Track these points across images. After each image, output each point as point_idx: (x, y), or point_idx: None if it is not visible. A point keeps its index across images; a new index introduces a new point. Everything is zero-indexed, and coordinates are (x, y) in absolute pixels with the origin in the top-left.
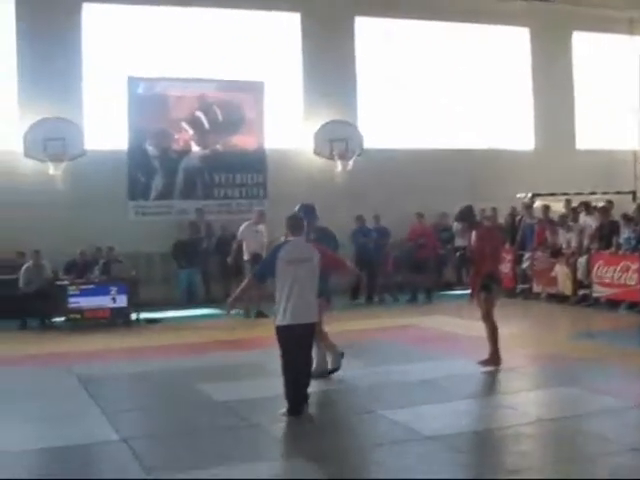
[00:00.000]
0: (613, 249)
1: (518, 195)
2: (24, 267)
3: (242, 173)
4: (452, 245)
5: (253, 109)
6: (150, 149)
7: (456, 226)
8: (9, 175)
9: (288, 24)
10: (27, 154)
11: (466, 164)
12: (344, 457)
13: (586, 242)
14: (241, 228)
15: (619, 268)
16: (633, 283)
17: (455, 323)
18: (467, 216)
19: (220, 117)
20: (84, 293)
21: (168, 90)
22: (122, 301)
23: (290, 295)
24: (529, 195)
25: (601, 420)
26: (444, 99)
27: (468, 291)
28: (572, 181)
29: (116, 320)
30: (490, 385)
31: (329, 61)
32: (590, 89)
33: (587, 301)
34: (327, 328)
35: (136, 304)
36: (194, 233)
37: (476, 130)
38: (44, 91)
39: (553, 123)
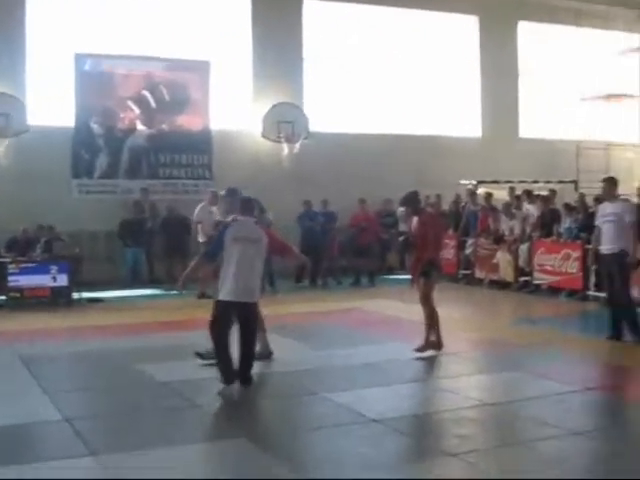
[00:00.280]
0: (554, 237)
1: (462, 182)
2: None
3: (188, 153)
4: (396, 230)
5: (200, 89)
6: (95, 127)
7: (400, 211)
8: None
9: (238, 5)
10: None
11: (412, 150)
12: (288, 438)
13: (528, 230)
14: (197, 210)
15: (560, 256)
16: (574, 271)
17: (397, 307)
18: (411, 201)
19: (167, 96)
20: (24, 271)
21: (115, 68)
22: (63, 280)
23: (235, 273)
24: (473, 182)
25: (543, 404)
26: (392, 85)
27: (409, 276)
28: (516, 169)
29: (57, 299)
30: (432, 369)
31: (277, 43)
32: (535, 79)
33: (528, 288)
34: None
35: (78, 283)
36: (139, 213)
37: (423, 116)
38: None
39: (498, 111)
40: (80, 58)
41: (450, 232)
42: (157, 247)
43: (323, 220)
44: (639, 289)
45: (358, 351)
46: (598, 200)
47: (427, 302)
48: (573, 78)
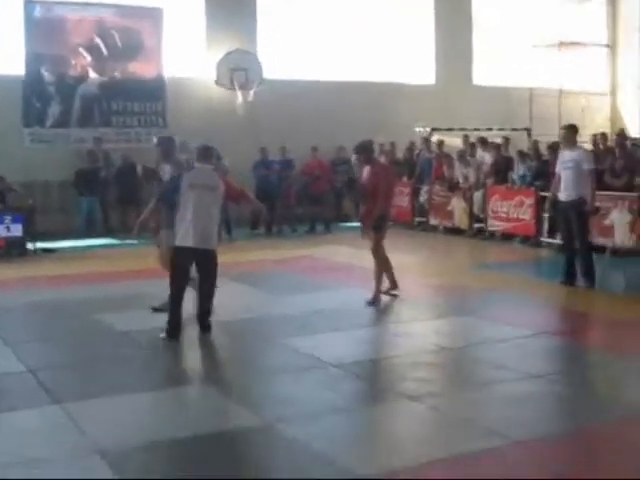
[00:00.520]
0: (508, 184)
1: (417, 129)
2: None
3: (141, 101)
4: (350, 178)
5: (152, 36)
6: (46, 75)
7: (354, 159)
8: None
9: None
10: None
11: (366, 97)
12: (250, 383)
13: (482, 177)
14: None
15: (514, 203)
16: (527, 217)
17: (351, 254)
18: (364, 149)
19: (119, 43)
20: None
21: (66, 14)
22: (17, 230)
23: (191, 219)
24: (428, 129)
25: (500, 348)
26: (346, 31)
27: (359, 225)
28: (470, 116)
29: (11, 250)
30: (390, 314)
31: None
32: (489, 26)
33: (482, 234)
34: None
35: (32, 234)
36: (93, 162)
37: (377, 63)
38: None
39: (452, 58)
40: (29, 4)
41: (405, 179)
42: (111, 196)
43: (279, 168)
44: (595, 236)
45: (314, 297)
46: (552, 147)
47: (378, 253)
48: (527, 25)
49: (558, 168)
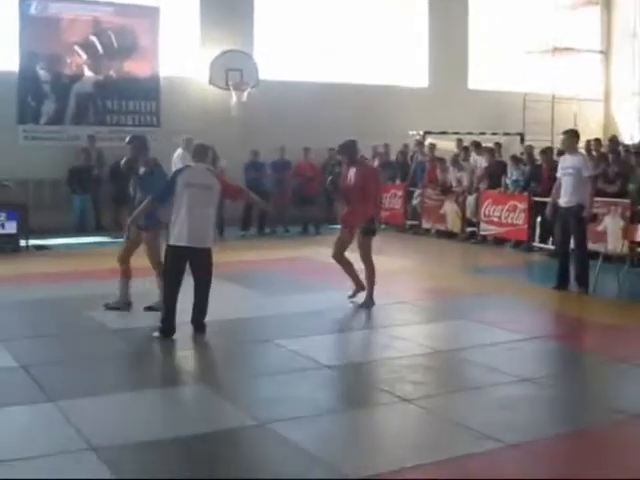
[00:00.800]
0: (501, 189)
1: (410, 132)
2: None
3: (135, 100)
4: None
5: (148, 35)
6: (41, 72)
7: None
8: None
9: None
10: None
11: (361, 100)
12: (244, 383)
13: (475, 181)
14: (174, 157)
15: (507, 207)
16: (520, 222)
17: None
18: (347, 149)
19: (114, 42)
20: None
21: (62, 12)
22: (11, 227)
23: (186, 218)
24: (420, 133)
25: (493, 352)
26: (341, 33)
27: (339, 226)
28: (463, 121)
29: (4, 247)
30: (384, 317)
31: None
32: (484, 30)
33: (475, 238)
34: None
35: (25, 231)
36: (86, 160)
37: (372, 66)
38: None
39: (447, 62)
40: (25, 1)
41: (398, 182)
42: (104, 195)
43: (271, 170)
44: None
45: (308, 298)
46: (545, 152)
47: (368, 259)
48: (521, 31)
49: (559, 173)
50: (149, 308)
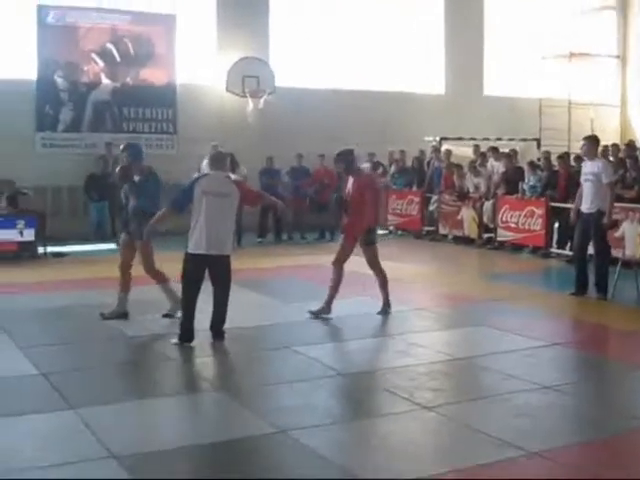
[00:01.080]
0: (519, 195)
1: (426, 138)
2: None
3: (152, 108)
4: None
5: (165, 43)
6: (59, 80)
7: (365, 167)
8: None
9: None
10: None
11: (377, 106)
12: (262, 390)
13: (493, 187)
14: (202, 165)
15: (524, 213)
16: (537, 228)
17: (360, 262)
18: (343, 158)
19: (131, 50)
20: None
21: (79, 20)
22: (30, 235)
23: (204, 226)
24: (437, 139)
25: (512, 359)
26: (357, 40)
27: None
28: (479, 126)
29: (23, 254)
30: (402, 324)
31: None
32: (500, 36)
33: (492, 244)
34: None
35: (43, 238)
36: (103, 167)
37: (388, 72)
38: None
39: (463, 68)
40: (43, 9)
41: (414, 188)
42: (121, 202)
43: (290, 177)
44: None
45: None
46: (562, 158)
47: (376, 266)
48: (537, 36)
49: (581, 179)
50: (166, 315)
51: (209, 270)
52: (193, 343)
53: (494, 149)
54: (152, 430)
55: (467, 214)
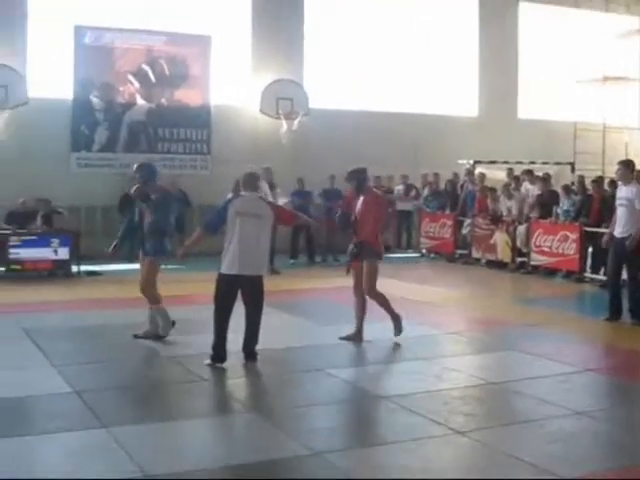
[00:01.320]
0: (553, 219)
1: (459, 161)
2: None
3: (186, 128)
4: (392, 209)
5: (200, 64)
6: (95, 100)
7: (397, 190)
8: None
9: None
10: None
11: (410, 128)
12: (295, 412)
13: (526, 210)
14: (264, 187)
15: (558, 237)
16: (571, 252)
17: (395, 285)
18: (357, 176)
19: (167, 71)
20: (25, 244)
21: (115, 41)
22: (64, 253)
23: (237, 247)
24: (471, 162)
25: (545, 384)
26: (391, 62)
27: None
28: (513, 150)
29: (57, 272)
30: (435, 348)
31: (278, 18)
32: (534, 60)
33: (525, 268)
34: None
35: (76, 257)
36: None
37: (421, 95)
38: None
39: (497, 92)
40: (80, 30)
41: (447, 211)
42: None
43: (323, 198)
44: None
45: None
46: (597, 182)
47: (372, 292)
48: (571, 60)
49: (616, 204)
50: (137, 336)
51: (241, 291)
52: (225, 364)
53: (529, 172)
54: (184, 450)
55: (500, 238)
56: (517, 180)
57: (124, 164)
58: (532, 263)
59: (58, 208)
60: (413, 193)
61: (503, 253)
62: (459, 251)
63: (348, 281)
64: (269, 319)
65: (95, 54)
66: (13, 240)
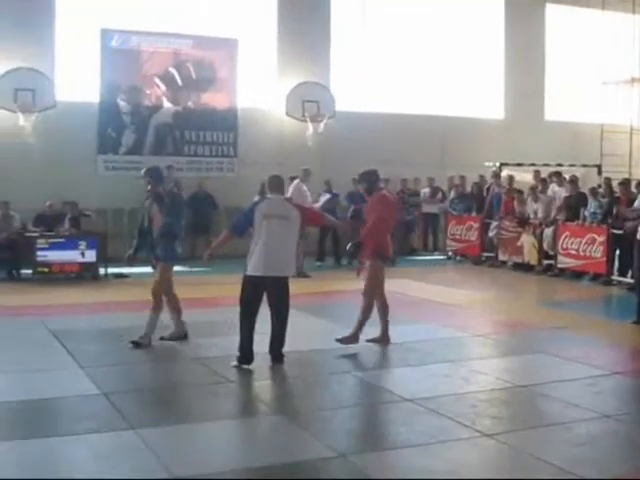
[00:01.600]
0: (580, 221)
1: (486, 164)
2: None
3: (213, 131)
4: (419, 211)
5: (226, 67)
6: (122, 104)
7: (424, 192)
8: None
9: None
10: None
11: (436, 131)
12: (322, 414)
13: (553, 213)
14: (290, 188)
15: (585, 240)
16: (598, 255)
17: (422, 288)
18: (368, 177)
19: (193, 74)
20: (53, 247)
21: (142, 45)
22: (91, 256)
23: (263, 248)
24: (497, 164)
25: (573, 387)
26: (417, 65)
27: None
28: (539, 152)
29: (84, 274)
30: (462, 350)
31: (304, 21)
32: (561, 62)
33: (552, 271)
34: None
35: (104, 259)
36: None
37: (447, 97)
38: (15, 41)
39: (523, 93)
40: (107, 34)
41: (474, 214)
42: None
43: (349, 200)
44: None
45: None
46: (624, 184)
47: (368, 293)
48: (598, 61)
49: None
50: (135, 342)
51: (267, 292)
52: (252, 366)
53: (557, 174)
54: (210, 452)
55: (527, 240)
56: (544, 182)
57: None
58: (559, 266)
59: (85, 211)
60: (439, 196)
61: (530, 255)
62: (485, 254)
63: None
64: (295, 321)
65: (122, 57)
66: (41, 243)
